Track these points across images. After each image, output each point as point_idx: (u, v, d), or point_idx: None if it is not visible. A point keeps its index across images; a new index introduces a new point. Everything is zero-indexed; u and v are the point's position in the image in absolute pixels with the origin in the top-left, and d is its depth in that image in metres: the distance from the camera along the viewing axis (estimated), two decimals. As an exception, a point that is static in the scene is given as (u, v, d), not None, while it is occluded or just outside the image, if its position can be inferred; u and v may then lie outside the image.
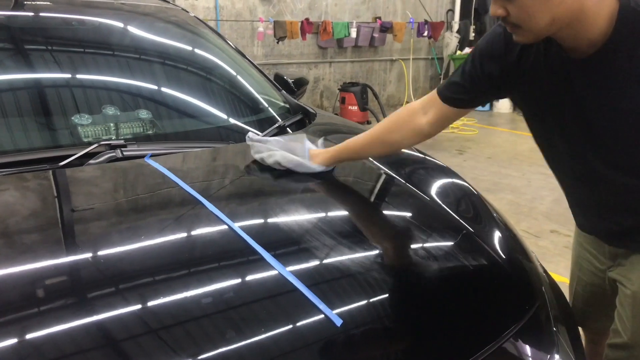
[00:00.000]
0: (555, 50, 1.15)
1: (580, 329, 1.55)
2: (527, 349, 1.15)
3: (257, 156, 1.62)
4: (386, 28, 8.68)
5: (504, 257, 1.40)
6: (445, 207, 1.56)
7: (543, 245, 3.60)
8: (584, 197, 1.41)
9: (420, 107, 1.49)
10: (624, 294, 1.38)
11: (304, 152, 1.61)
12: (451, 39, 9.67)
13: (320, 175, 1.60)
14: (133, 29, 2.19)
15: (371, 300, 1.09)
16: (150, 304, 1.01)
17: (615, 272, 1.43)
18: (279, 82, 2.53)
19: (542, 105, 1.27)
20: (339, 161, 1.62)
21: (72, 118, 1.69)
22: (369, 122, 7.52)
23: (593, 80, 1.12)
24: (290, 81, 2.55)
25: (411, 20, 8.94)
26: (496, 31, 1.29)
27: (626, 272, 1.38)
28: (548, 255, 3.41)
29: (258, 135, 1.68)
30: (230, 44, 2.53)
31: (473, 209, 1.70)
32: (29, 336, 0.90)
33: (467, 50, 9.46)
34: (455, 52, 9.60)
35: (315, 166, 1.59)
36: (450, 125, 7.72)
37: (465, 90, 1.39)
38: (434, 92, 1.47)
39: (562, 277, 3.00)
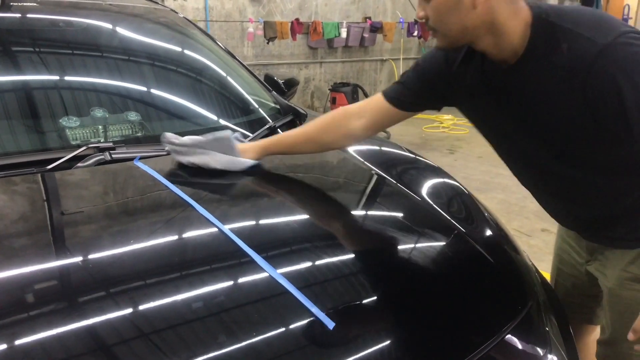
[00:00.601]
0: (489, 61, 1.22)
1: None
2: (520, 349, 1.14)
3: (182, 159, 1.55)
4: (376, 28, 8.70)
5: (496, 257, 1.40)
6: (436, 207, 1.56)
7: (534, 244, 3.62)
8: (545, 195, 1.46)
9: (357, 111, 1.53)
10: (601, 290, 1.43)
11: (232, 148, 1.56)
12: (441, 39, 9.68)
13: (311, 176, 1.59)
14: (121, 30, 2.17)
15: (363, 302, 1.09)
16: (141, 307, 1.00)
17: (592, 267, 1.47)
18: (270, 82, 2.52)
19: (486, 114, 1.34)
20: (270, 154, 1.63)
21: (60, 121, 1.67)
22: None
23: (519, 86, 1.19)
24: (281, 82, 2.54)
25: (401, 20, 8.95)
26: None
27: (602, 268, 1.42)
28: (540, 254, 3.42)
29: (173, 136, 1.57)
30: (220, 44, 2.52)
31: (464, 209, 1.70)
32: (18, 342, 0.89)
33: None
34: (445, 51, 9.62)
35: (248, 161, 1.56)
36: (441, 125, 7.76)
37: (410, 94, 1.45)
38: (377, 94, 1.52)
39: (553, 276, 3.01)
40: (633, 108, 1.04)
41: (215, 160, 1.54)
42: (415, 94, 1.44)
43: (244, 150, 1.58)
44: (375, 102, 1.50)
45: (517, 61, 1.17)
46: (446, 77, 1.34)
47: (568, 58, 1.09)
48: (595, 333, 1.62)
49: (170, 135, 1.58)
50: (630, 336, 1.17)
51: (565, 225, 1.55)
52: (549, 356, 1.16)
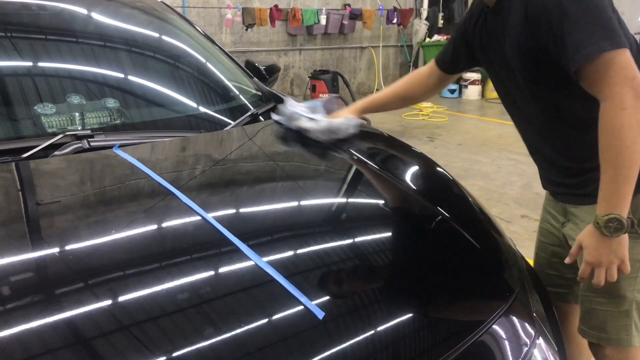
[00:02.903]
0: (487, 11, 1.43)
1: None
2: (509, 336, 1.14)
3: (301, 124, 1.74)
4: (355, 15, 8.65)
5: (482, 242, 1.40)
6: (421, 193, 1.55)
7: (514, 230, 3.65)
8: (528, 141, 1.57)
9: (427, 72, 1.77)
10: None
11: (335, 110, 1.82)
12: (420, 26, 9.68)
13: (294, 164, 1.57)
14: (98, 15, 2.11)
15: (352, 291, 1.07)
16: (122, 300, 0.97)
17: (568, 228, 1.50)
18: (251, 69, 2.48)
19: (485, 56, 1.52)
20: (366, 113, 1.88)
21: (35, 108, 1.62)
22: (339, 110, 7.49)
23: (499, 25, 1.38)
24: (262, 68, 2.51)
25: (380, 7, 8.92)
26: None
27: (575, 227, 1.45)
28: (519, 239, 3.45)
29: (294, 103, 1.78)
30: (200, 30, 2.47)
31: (449, 195, 1.69)
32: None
33: (436, 37, 9.49)
34: (425, 39, 9.63)
35: (354, 120, 1.78)
36: (421, 113, 7.78)
37: (448, 55, 1.68)
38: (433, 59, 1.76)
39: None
40: (556, 21, 1.19)
41: (320, 127, 1.72)
42: (450, 54, 1.67)
43: (343, 115, 1.79)
44: (433, 63, 1.75)
45: (495, 3, 1.38)
46: (467, 35, 1.56)
47: None
48: (574, 313, 1.63)
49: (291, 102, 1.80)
50: (567, 260, 1.32)
51: (544, 187, 1.61)
52: (537, 342, 1.16)
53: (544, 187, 1.61)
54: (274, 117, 1.82)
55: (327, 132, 1.71)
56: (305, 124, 1.73)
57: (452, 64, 1.69)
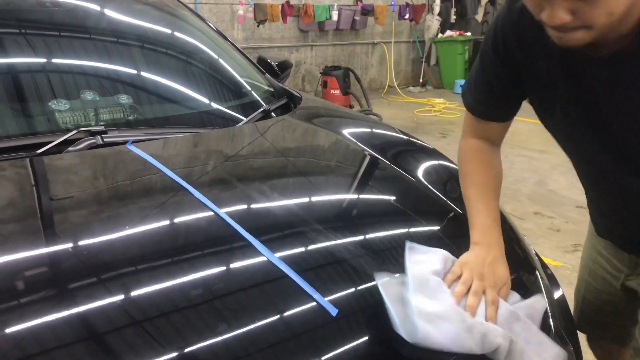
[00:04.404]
0: (570, 50, 0.98)
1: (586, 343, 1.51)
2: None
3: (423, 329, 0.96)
4: (367, 11, 8.61)
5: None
6: (433, 189, 1.55)
7: (527, 228, 3.62)
8: (605, 203, 1.30)
9: (484, 145, 1.30)
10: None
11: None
12: (432, 22, 9.63)
13: (307, 159, 1.56)
14: (110, 12, 2.11)
15: (366, 287, 1.07)
16: (136, 295, 0.97)
17: (635, 282, 1.32)
18: (263, 65, 2.48)
19: (553, 104, 1.13)
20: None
21: (49, 104, 1.63)
22: (351, 107, 7.48)
23: (616, 79, 0.99)
24: (274, 64, 2.50)
25: (392, 3, 8.87)
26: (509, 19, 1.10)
27: None
28: (532, 237, 3.43)
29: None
30: (212, 26, 2.47)
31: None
32: (8, 330, 0.86)
33: (449, 33, 9.44)
34: (437, 35, 9.57)
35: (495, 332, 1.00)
36: (433, 109, 7.74)
37: (484, 97, 1.24)
38: (468, 115, 1.31)
39: (546, 259, 3.02)
40: None
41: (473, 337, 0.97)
42: (498, 99, 1.22)
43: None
44: (476, 124, 1.30)
45: (622, 48, 0.94)
46: (520, 71, 1.13)
47: None
48: (624, 356, 1.52)
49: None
50: None
51: (604, 236, 1.39)
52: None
53: (603, 236, 1.39)
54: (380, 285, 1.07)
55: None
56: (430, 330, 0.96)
57: (509, 108, 1.26)
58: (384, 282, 1.05)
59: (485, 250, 1.14)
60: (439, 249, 1.15)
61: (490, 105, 1.25)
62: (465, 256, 1.14)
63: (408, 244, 1.13)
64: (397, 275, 1.09)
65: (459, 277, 1.09)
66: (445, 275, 1.09)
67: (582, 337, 1.39)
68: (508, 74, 1.16)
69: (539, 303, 1.14)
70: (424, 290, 1.02)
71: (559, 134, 1.21)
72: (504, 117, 1.28)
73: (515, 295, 1.12)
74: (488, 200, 1.23)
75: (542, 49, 1.05)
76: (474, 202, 1.24)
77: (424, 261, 1.10)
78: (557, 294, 1.40)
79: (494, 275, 1.10)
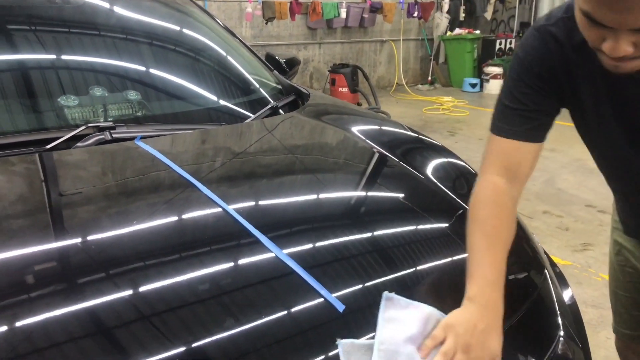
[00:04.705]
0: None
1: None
2: (532, 332, 1.13)
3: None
4: (376, 8, 8.60)
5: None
6: (442, 186, 1.54)
7: (536, 226, 3.60)
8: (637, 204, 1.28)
9: (500, 178, 1.12)
10: None
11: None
12: (441, 20, 9.59)
13: (315, 156, 1.56)
14: (120, 8, 2.12)
15: (373, 283, 1.06)
16: (144, 290, 0.97)
17: None
18: (271, 62, 2.47)
19: (598, 123, 1.13)
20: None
21: (59, 100, 1.64)
22: (359, 104, 7.46)
23: None
24: (282, 61, 2.50)
25: (401, 0, 8.84)
26: (539, 38, 1.09)
27: None
28: (541, 235, 3.41)
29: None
30: (220, 23, 2.47)
31: (471, 188, 1.67)
32: (18, 324, 0.87)
33: (458, 31, 9.40)
34: (446, 32, 9.54)
35: None
36: (441, 107, 7.71)
37: (522, 116, 1.13)
38: (491, 136, 1.18)
39: (555, 258, 3.01)
40: None
41: None
42: (522, 114, 1.12)
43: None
44: (500, 151, 1.16)
45: None
46: (559, 74, 1.09)
47: None
48: None
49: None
50: None
51: (635, 235, 1.38)
52: (561, 338, 1.14)
53: (634, 235, 1.39)
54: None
55: None
56: None
57: (546, 123, 1.15)
58: (345, 349, 0.89)
59: (479, 313, 0.94)
60: (421, 304, 0.98)
61: (524, 122, 1.13)
62: (453, 316, 0.95)
63: (385, 295, 0.98)
64: (362, 339, 0.93)
65: (441, 342, 0.91)
66: (423, 340, 0.92)
67: (590, 338, 1.39)
68: (543, 98, 1.11)
69: None
70: None
71: (594, 142, 1.20)
72: (537, 136, 1.14)
73: None
74: (496, 253, 1.03)
75: (583, 71, 1.06)
76: (479, 253, 1.04)
77: (400, 320, 0.94)
78: (566, 293, 1.40)
79: (482, 348, 0.91)
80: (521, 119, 1.12)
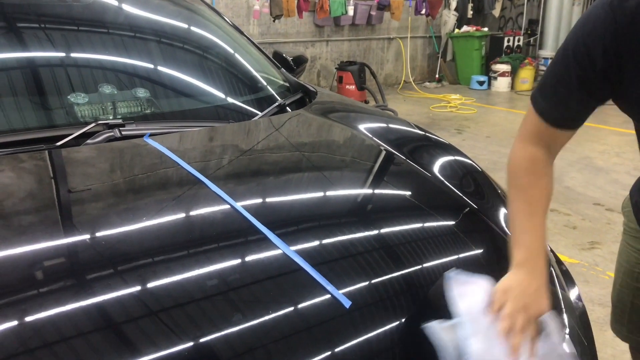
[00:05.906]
0: None
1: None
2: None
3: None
4: (383, 6, 8.58)
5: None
6: (449, 184, 1.54)
7: (543, 224, 3.60)
8: None
9: (541, 155, 1.17)
10: None
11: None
12: (449, 17, 9.56)
13: (323, 154, 1.57)
14: (128, 6, 2.13)
15: (380, 280, 1.07)
16: (152, 286, 0.98)
17: None
18: (278, 60, 2.48)
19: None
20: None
21: (68, 97, 1.65)
22: (366, 102, 7.46)
23: None
24: (290, 59, 2.51)
25: (409, -2, 8.83)
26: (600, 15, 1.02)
27: None
28: (548, 234, 3.39)
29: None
30: (228, 20, 2.48)
31: (478, 186, 1.67)
32: (27, 319, 0.88)
33: (465, 28, 9.37)
34: (453, 30, 9.51)
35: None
36: (449, 105, 7.69)
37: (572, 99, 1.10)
38: (533, 116, 1.15)
39: (562, 256, 3.00)
40: None
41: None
42: (567, 101, 1.10)
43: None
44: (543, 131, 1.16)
45: None
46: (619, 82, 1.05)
47: None
48: None
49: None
50: None
51: None
52: (566, 335, 1.15)
53: None
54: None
55: None
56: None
57: (585, 114, 1.13)
58: (434, 330, 0.97)
59: (529, 277, 1.05)
60: (479, 277, 1.07)
61: (568, 111, 1.12)
62: (507, 280, 1.06)
63: (446, 274, 1.06)
64: (440, 320, 0.99)
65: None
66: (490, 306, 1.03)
67: (597, 336, 1.39)
68: (599, 78, 1.05)
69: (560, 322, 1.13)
70: (478, 333, 0.98)
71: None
72: (576, 125, 1.15)
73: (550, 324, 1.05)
74: (538, 220, 1.11)
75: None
76: (523, 220, 1.11)
77: (468, 294, 1.04)
78: (572, 292, 1.40)
79: (538, 306, 1.04)
80: (567, 108, 1.11)
